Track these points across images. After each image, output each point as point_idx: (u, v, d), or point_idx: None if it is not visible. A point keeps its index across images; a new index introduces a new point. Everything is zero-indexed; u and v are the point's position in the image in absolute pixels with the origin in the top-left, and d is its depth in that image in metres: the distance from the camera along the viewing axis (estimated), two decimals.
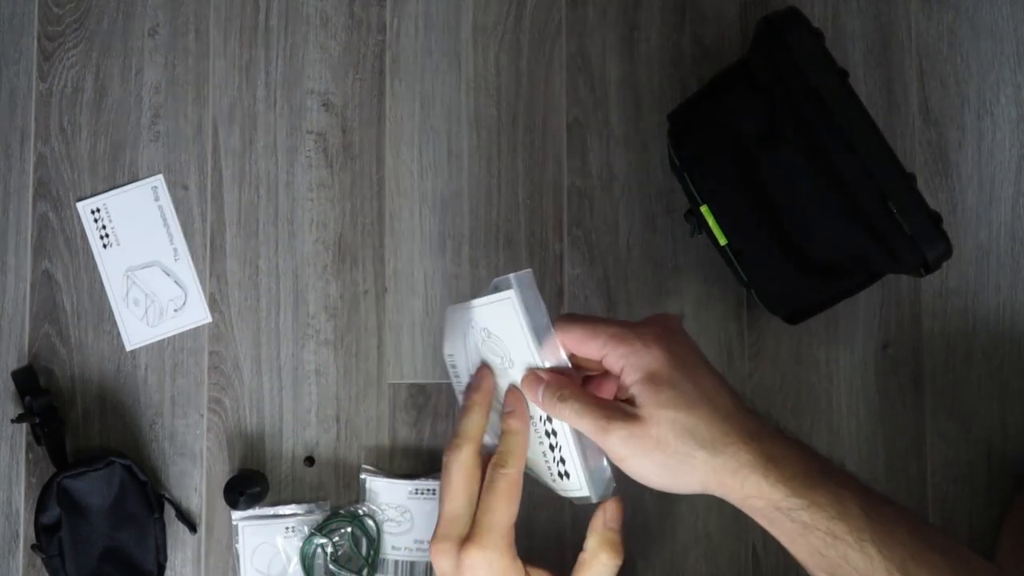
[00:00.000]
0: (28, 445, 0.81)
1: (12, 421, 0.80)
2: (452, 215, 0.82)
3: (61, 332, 0.82)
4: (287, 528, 0.79)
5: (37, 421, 0.78)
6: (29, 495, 0.80)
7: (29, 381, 0.80)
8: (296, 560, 0.79)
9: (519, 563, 0.57)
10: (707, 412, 0.49)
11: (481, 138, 0.82)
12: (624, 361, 0.52)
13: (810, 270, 0.71)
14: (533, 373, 0.55)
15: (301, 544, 0.79)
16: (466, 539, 0.56)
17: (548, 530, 0.79)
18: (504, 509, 0.56)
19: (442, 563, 0.56)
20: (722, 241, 0.72)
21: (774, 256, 0.72)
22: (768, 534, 0.50)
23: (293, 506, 0.79)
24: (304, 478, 0.80)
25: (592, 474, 0.59)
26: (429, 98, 0.83)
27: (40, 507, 0.77)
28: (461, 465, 0.57)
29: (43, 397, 0.79)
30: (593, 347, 0.53)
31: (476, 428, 0.59)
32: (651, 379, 0.50)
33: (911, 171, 0.70)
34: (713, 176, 0.72)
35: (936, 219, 0.67)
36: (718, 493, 0.51)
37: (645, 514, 0.79)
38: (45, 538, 0.77)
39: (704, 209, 0.72)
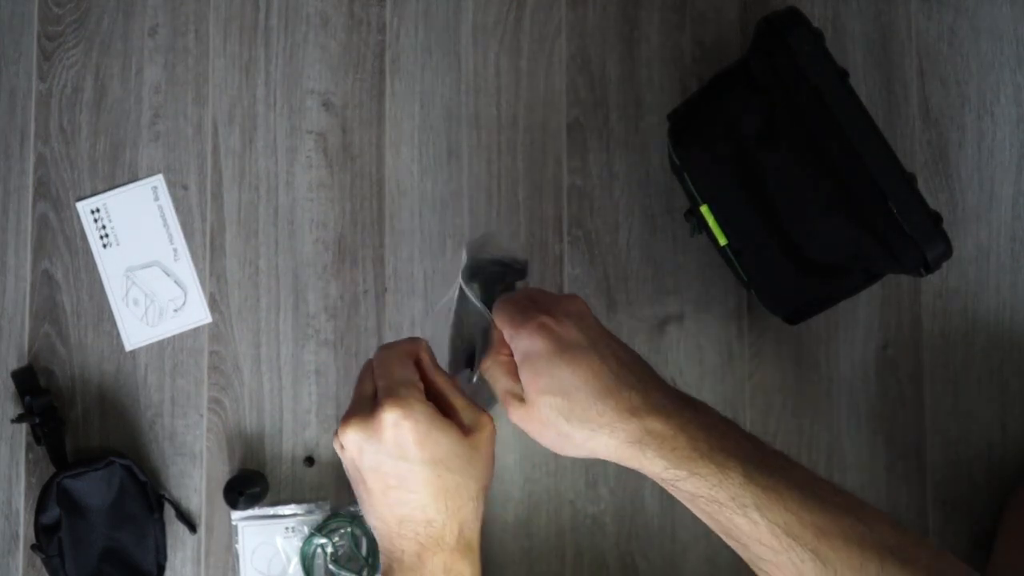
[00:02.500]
0: (28, 445, 0.81)
1: (12, 421, 0.80)
2: (452, 215, 0.82)
3: (61, 332, 0.82)
4: (287, 528, 0.79)
5: (37, 421, 0.78)
6: (29, 495, 0.80)
7: (29, 381, 0.80)
8: (296, 560, 0.79)
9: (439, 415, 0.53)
10: (583, 395, 0.51)
11: (481, 138, 0.82)
12: (513, 345, 0.54)
13: (810, 270, 0.71)
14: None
15: (301, 544, 0.79)
16: (377, 402, 0.51)
17: (548, 530, 0.79)
18: (406, 367, 0.53)
19: (354, 437, 0.51)
20: (722, 241, 0.72)
21: (774, 256, 0.72)
22: None
23: (293, 506, 0.79)
24: (304, 478, 0.80)
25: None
26: (429, 98, 0.83)
27: (40, 507, 0.77)
28: (379, 360, 0.55)
29: (43, 397, 0.79)
30: (503, 328, 0.55)
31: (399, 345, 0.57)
32: (532, 365, 0.52)
33: (911, 171, 0.70)
34: (713, 176, 0.72)
35: (936, 219, 0.67)
36: (618, 463, 0.53)
37: (645, 514, 0.79)
38: (45, 538, 0.77)
39: (704, 209, 0.72)
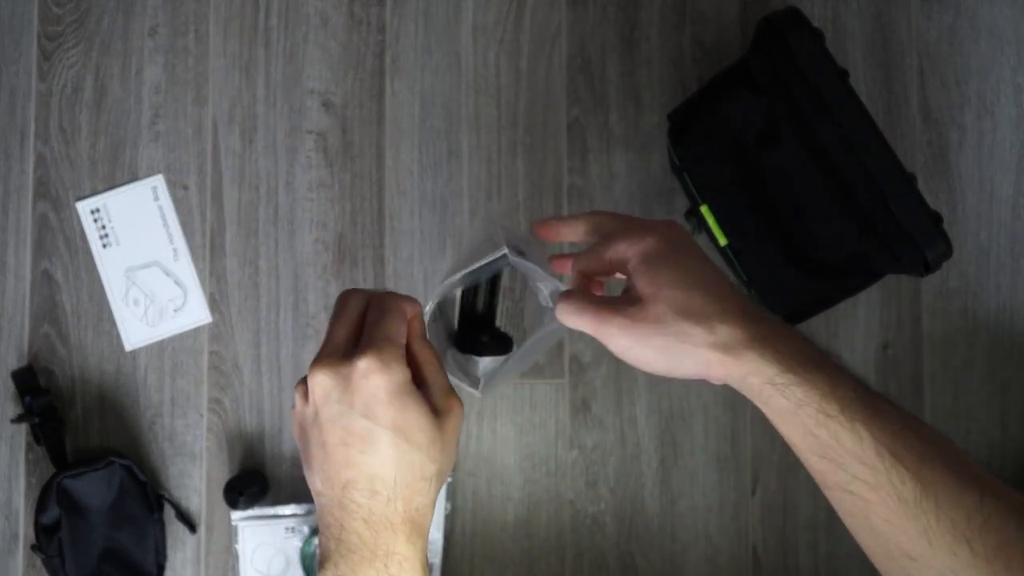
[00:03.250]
0: (28, 445, 0.81)
1: (12, 421, 0.80)
2: (452, 215, 0.82)
3: (61, 332, 0.82)
4: (287, 528, 0.79)
5: (37, 421, 0.78)
6: (29, 495, 0.80)
7: (29, 381, 0.80)
8: (296, 560, 0.79)
9: (413, 385, 0.51)
10: (704, 291, 0.50)
11: (481, 138, 0.82)
12: (625, 251, 0.53)
13: (810, 270, 0.71)
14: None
15: (301, 544, 0.79)
16: (357, 351, 0.48)
17: (548, 530, 0.79)
18: (398, 325, 0.51)
19: (323, 381, 0.48)
20: (722, 241, 0.72)
21: (774, 256, 0.72)
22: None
23: (293, 506, 0.79)
24: (304, 478, 0.80)
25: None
26: (429, 98, 0.83)
27: (40, 507, 0.77)
28: (360, 300, 0.52)
29: (43, 397, 0.79)
30: (602, 258, 0.54)
31: (394, 298, 0.54)
32: (648, 260, 0.52)
33: (911, 171, 0.70)
34: (713, 176, 0.72)
35: (936, 219, 0.67)
36: (717, 374, 0.51)
37: (645, 514, 0.79)
38: (45, 538, 0.77)
39: (704, 209, 0.72)
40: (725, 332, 0.50)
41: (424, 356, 0.52)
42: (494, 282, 0.59)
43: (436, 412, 0.50)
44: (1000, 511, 0.47)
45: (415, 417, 0.49)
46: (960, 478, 0.47)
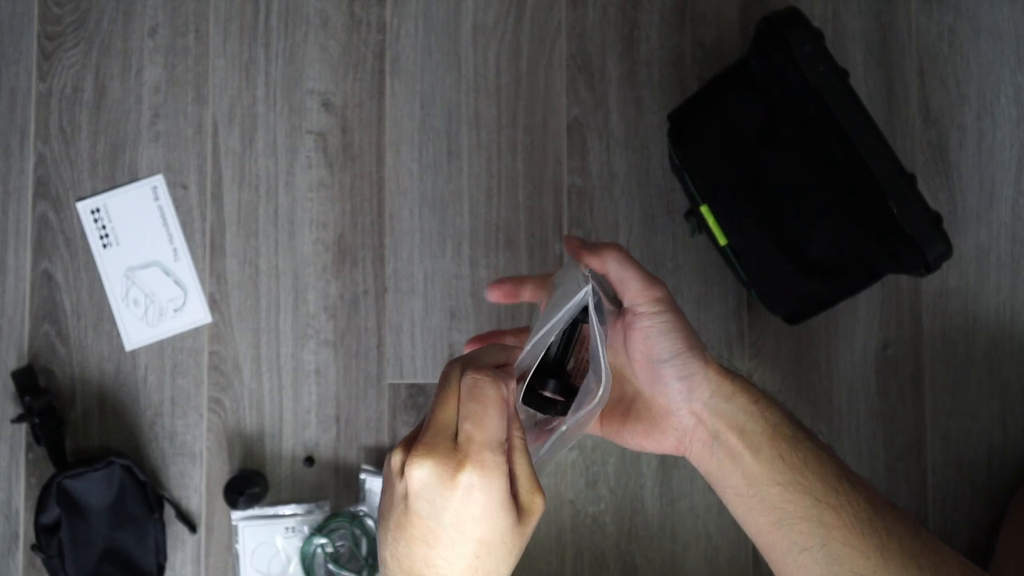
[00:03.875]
0: (28, 445, 0.81)
1: (12, 421, 0.80)
2: (452, 215, 0.82)
3: (61, 332, 0.82)
4: (287, 528, 0.79)
5: (37, 421, 0.78)
6: (29, 495, 0.80)
7: (29, 381, 0.80)
8: (296, 560, 0.79)
9: (510, 495, 0.49)
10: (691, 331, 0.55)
11: (481, 138, 0.82)
12: (651, 294, 0.55)
13: (810, 270, 0.71)
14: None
15: (301, 544, 0.79)
16: (460, 454, 0.47)
17: (548, 530, 0.79)
18: (500, 422, 0.49)
19: (422, 476, 0.46)
20: (722, 241, 0.72)
21: (774, 256, 0.72)
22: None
23: (293, 506, 0.79)
24: (304, 478, 0.80)
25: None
26: (429, 98, 0.83)
27: (40, 507, 0.77)
28: (473, 393, 0.50)
29: (43, 397, 0.79)
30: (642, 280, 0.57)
31: (492, 358, 0.53)
32: (657, 302, 0.55)
33: (911, 171, 0.70)
34: (713, 176, 0.72)
35: (936, 219, 0.67)
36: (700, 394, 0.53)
37: (645, 514, 0.79)
38: (45, 538, 0.77)
39: (704, 209, 0.72)
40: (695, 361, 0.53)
41: (515, 442, 0.50)
42: (573, 327, 0.57)
43: (521, 514, 0.49)
44: (929, 534, 0.50)
45: (502, 531, 0.48)
46: (888, 500, 0.51)
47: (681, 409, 0.53)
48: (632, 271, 0.55)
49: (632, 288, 0.55)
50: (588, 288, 0.51)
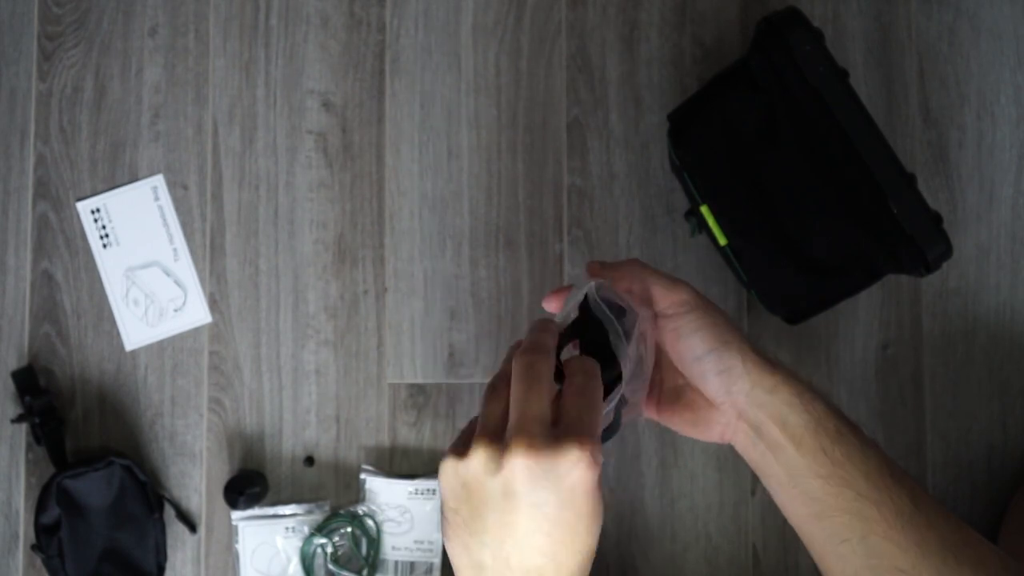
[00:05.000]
0: (28, 445, 0.81)
1: (12, 421, 0.80)
2: (452, 215, 0.82)
3: (61, 332, 0.82)
4: (287, 528, 0.79)
5: (37, 421, 0.78)
6: (29, 495, 0.80)
7: (29, 381, 0.80)
8: (296, 560, 0.79)
9: None
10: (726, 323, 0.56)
11: (481, 138, 0.82)
12: (675, 296, 0.57)
13: (810, 270, 0.71)
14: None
15: (301, 544, 0.79)
16: (562, 433, 0.46)
17: None
18: (598, 411, 0.48)
19: (525, 463, 0.44)
20: (722, 241, 0.72)
21: (774, 256, 0.72)
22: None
23: (293, 506, 0.79)
24: (304, 478, 0.80)
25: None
26: (429, 98, 0.83)
27: (40, 507, 0.77)
28: (549, 363, 0.49)
29: (43, 397, 0.79)
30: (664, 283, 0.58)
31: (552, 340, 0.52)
32: (682, 303, 0.56)
33: (911, 171, 0.70)
34: (713, 176, 0.72)
35: (936, 219, 0.67)
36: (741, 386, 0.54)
37: (645, 514, 0.79)
38: (45, 538, 0.77)
39: (704, 209, 0.72)
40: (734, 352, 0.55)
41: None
42: (582, 324, 0.56)
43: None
44: (970, 530, 0.50)
45: (601, 511, 0.48)
46: (931, 496, 0.51)
47: (723, 402, 0.54)
48: (653, 278, 0.57)
49: (657, 294, 0.57)
50: (591, 284, 0.54)
